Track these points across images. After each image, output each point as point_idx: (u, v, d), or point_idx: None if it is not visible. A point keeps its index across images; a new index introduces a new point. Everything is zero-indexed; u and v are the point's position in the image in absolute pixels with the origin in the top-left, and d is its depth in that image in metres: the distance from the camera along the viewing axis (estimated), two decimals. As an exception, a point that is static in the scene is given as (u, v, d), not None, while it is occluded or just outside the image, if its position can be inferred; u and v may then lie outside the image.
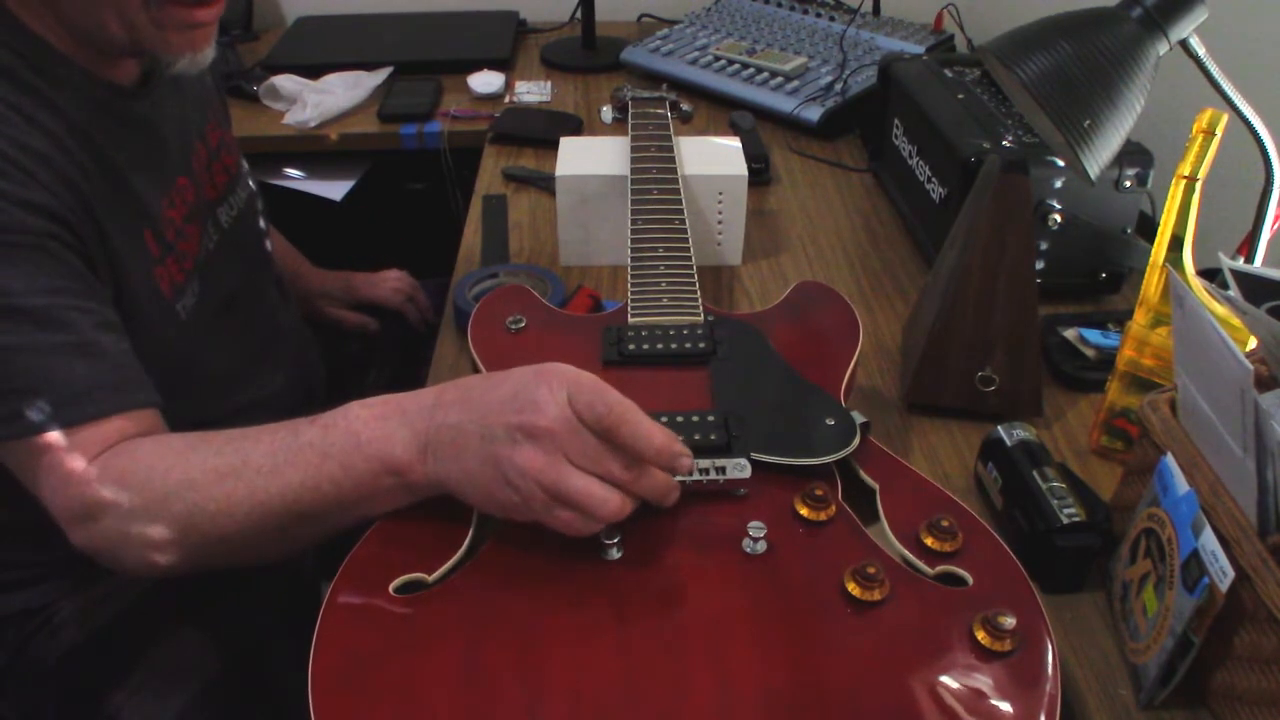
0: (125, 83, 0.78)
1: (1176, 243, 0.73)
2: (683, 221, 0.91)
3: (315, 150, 1.46)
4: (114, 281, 0.73)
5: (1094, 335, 0.92)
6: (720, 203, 1.05)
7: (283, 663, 0.90)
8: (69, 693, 0.81)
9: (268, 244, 1.02)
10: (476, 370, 0.77)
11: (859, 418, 0.69)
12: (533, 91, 1.52)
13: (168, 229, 0.80)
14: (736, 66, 1.46)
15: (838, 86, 1.39)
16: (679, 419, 0.69)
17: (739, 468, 0.63)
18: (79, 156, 0.70)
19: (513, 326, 0.80)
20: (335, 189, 1.48)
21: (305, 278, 1.23)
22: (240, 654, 0.86)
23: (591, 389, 0.57)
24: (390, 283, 1.25)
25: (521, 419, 0.57)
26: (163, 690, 0.81)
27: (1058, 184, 0.93)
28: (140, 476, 0.64)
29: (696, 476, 0.63)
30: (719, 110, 1.44)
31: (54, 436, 0.65)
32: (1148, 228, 0.98)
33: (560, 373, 0.58)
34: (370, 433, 0.61)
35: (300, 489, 0.61)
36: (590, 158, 1.06)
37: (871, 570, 0.58)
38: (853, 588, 0.58)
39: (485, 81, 1.52)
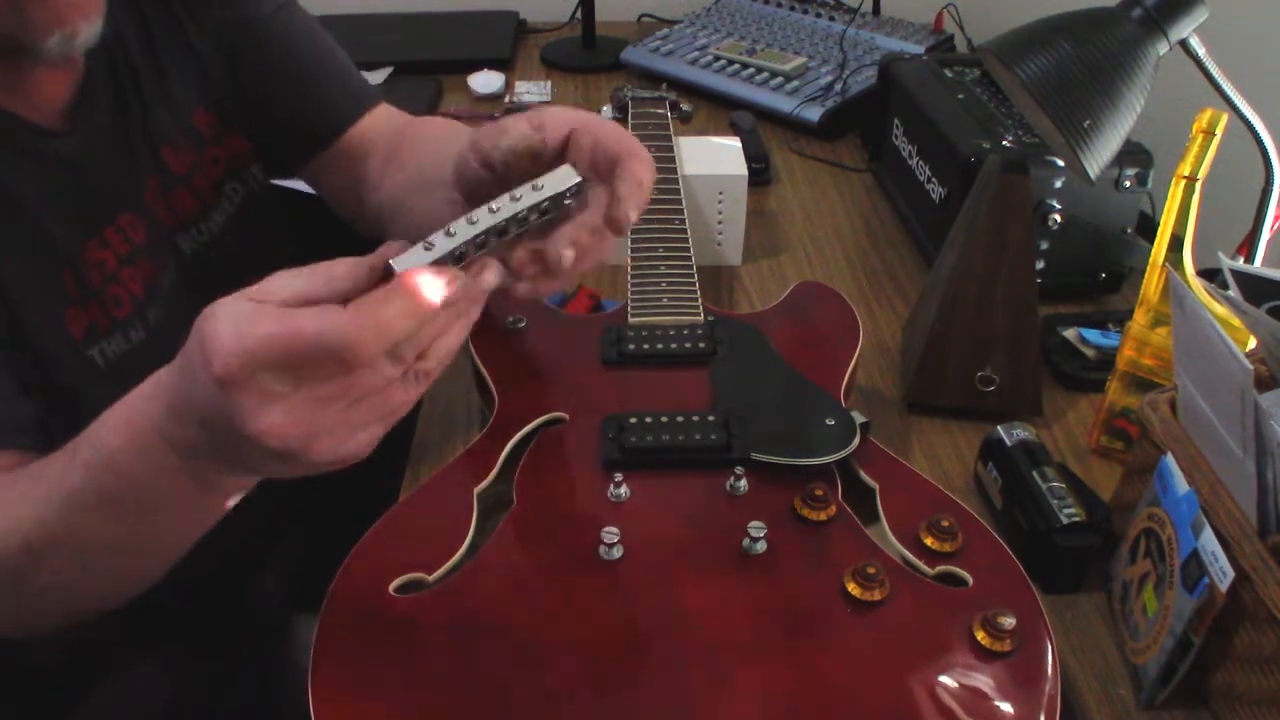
0: (42, 121, 0.70)
1: (1176, 243, 0.73)
2: (683, 221, 0.91)
3: (315, 150, 1.46)
4: (4, 314, 0.67)
5: (1094, 335, 0.92)
6: (720, 203, 1.05)
7: (245, 694, 0.90)
8: (31, 713, 0.79)
9: (253, 276, 0.96)
10: (477, 370, 0.77)
11: (859, 418, 0.69)
12: (533, 91, 1.52)
13: (93, 272, 0.72)
14: (736, 66, 1.46)
15: (838, 86, 1.39)
16: (679, 419, 0.69)
17: (558, 177, 0.52)
18: None
19: (512, 326, 0.80)
20: (335, 189, 1.48)
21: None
22: (206, 680, 0.85)
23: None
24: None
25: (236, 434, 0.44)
26: (124, 716, 0.81)
27: (1058, 184, 0.93)
28: None
29: (503, 210, 0.49)
30: (719, 110, 1.44)
31: None
32: (1148, 228, 0.98)
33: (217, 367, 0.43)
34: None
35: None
36: (590, 158, 1.06)
37: (871, 570, 0.58)
38: (853, 588, 0.58)
39: (485, 81, 1.52)
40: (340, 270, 0.45)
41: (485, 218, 0.47)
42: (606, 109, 1.40)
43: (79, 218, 0.72)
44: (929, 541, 0.62)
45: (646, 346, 0.77)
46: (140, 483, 0.49)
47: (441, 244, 0.45)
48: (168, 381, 0.47)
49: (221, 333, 0.42)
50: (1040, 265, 0.97)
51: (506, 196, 0.49)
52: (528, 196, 0.50)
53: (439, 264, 0.45)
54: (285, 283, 0.44)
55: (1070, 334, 0.93)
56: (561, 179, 0.51)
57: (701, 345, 0.77)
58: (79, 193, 0.72)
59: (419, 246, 0.45)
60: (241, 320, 0.42)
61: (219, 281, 0.87)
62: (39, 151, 0.70)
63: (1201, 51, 0.75)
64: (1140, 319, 0.76)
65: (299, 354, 0.42)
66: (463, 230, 0.46)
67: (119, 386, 0.72)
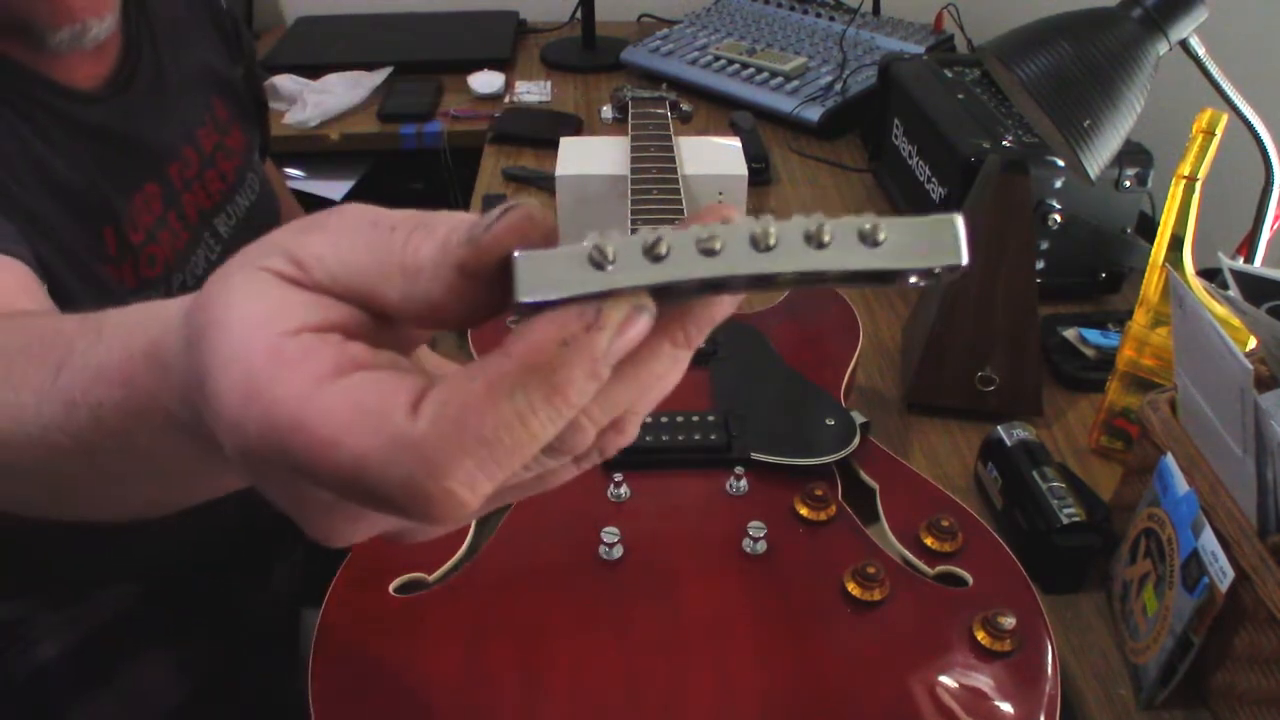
0: (85, 86, 0.73)
1: (1176, 243, 0.73)
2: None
3: (315, 150, 1.46)
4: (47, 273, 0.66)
5: (1094, 335, 0.92)
6: (720, 203, 1.04)
7: (254, 689, 0.90)
8: (38, 709, 0.80)
9: None
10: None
11: (859, 418, 0.69)
12: (533, 91, 1.52)
13: (135, 230, 0.75)
14: (736, 66, 1.46)
15: (838, 86, 1.39)
16: (679, 419, 0.69)
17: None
18: (12, 154, 0.67)
19: (512, 324, 0.80)
20: (335, 189, 1.48)
21: None
22: (213, 679, 0.85)
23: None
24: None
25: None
26: (131, 712, 0.81)
27: (1058, 184, 0.93)
28: None
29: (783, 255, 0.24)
30: (719, 110, 1.44)
31: None
32: (1148, 228, 0.98)
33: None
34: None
35: None
36: (590, 158, 1.06)
37: (871, 570, 0.58)
38: (853, 588, 0.58)
39: (485, 81, 1.52)
40: (426, 281, 0.25)
41: (738, 255, 0.24)
42: (606, 109, 1.41)
43: (112, 181, 0.74)
44: (929, 541, 0.62)
45: (646, 346, 0.76)
46: (138, 448, 0.33)
47: (627, 267, 0.24)
48: (169, 350, 0.29)
49: (222, 353, 0.25)
50: (1040, 265, 0.97)
51: (790, 232, 0.24)
52: (842, 246, 0.24)
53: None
54: (336, 269, 0.25)
55: (1070, 334, 0.93)
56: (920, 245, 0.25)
57: (701, 345, 0.77)
58: (107, 157, 0.74)
59: (577, 252, 0.24)
60: (256, 365, 0.24)
61: None
62: (71, 115, 0.72)
63: (1201, 51, 0.75)
64: (1140, 319, 0.76)
65: (334, 482, 0.24)
66: (682, 260, 0.24)
67: None
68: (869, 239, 0.24)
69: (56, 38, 0.68)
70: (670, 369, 0.27)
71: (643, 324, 0.24)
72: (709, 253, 0.24)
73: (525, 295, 0.23)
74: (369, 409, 0.23)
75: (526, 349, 0.23)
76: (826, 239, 0.24)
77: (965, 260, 0.25)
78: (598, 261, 0.23)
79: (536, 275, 0.23)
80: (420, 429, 0.23)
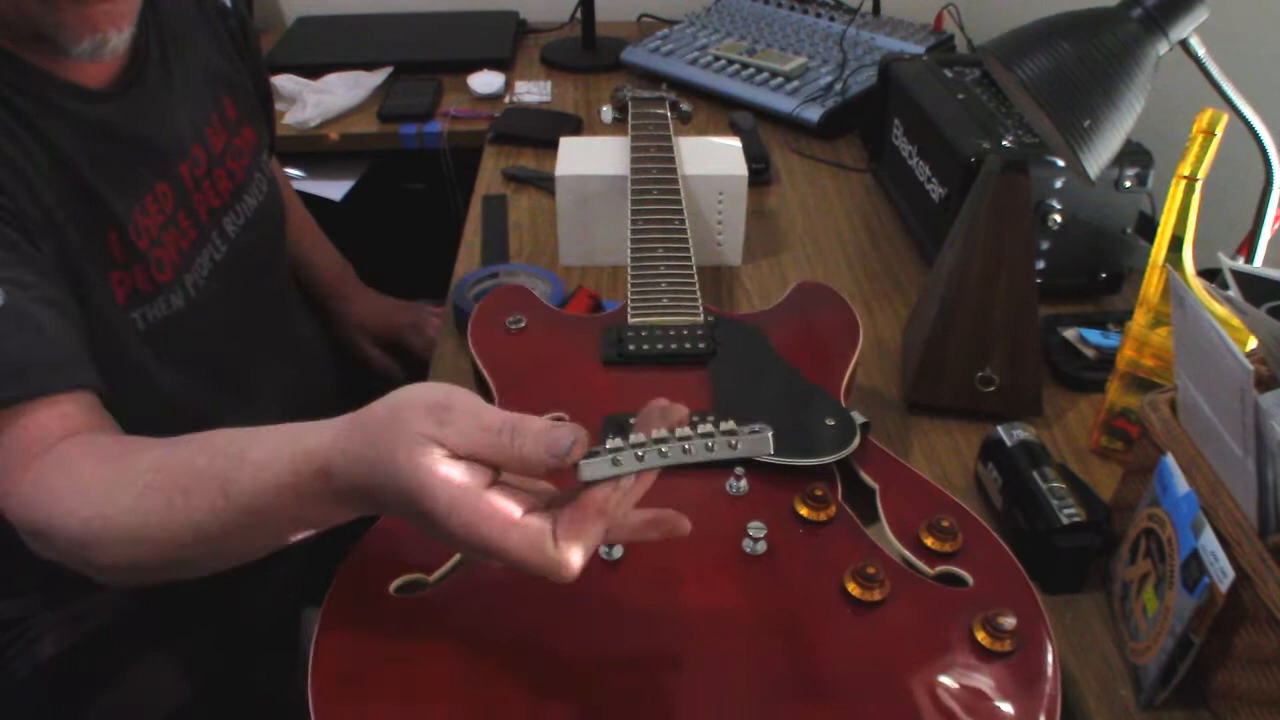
0: (92, 85, 0.74)
1: (1176, 243, 0.73)
2: (683, 221, 0.91)
3: (315, 150, 1.46)
4: (66, 270, 0.69)
5: (1094, 335, 0.92)
6: (720, 203, 1.05)
7: (258, 687, 0.90)
8: (40, 709, 0.80)
9: (284, 255, 1.01)
10: (477, 370, 0.77)
11: (859, 418, 0.69)
12: (533, 91, 1.52)
13: (139, 236, 0.76)
14: (736, 66, 1.46)
15: (838, 86, 1.39)
16: (679, 419, 0.69)
17: (755, 441, 0.48)
18: (29, 146, 0.68)
19: (512, 326, 0.80)
20: (335, 189, 1.48)
21: (349, 300, 1.19)
22: (213, 679, 0.85)
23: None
24: (431, 331, 1.17)
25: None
26: (133, 712, 0.81)
27: (1058, 184, 0.93)
28: (61, 507, 0.58)
29: (696, 453, 0.47)
30: (719, 110, 1.44)
31: None
32: (1148, 228, 0.98)
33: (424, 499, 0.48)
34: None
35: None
36: (590, 158, 1.06)
37: (871, 570, 0.58)
38: (853, 588, 0.58)
39: (485, 81, 1.52)
40: (529, 449, 0.47)
41: (676, 454, 0.47)
42: (606, 109, 1.40)
43: (124, 182, 0.75)
44: (929, 541, 0.62)
45: (646, 347, 0.77)
46: (301, 521, 0.55)
47: (628, 464, 0.47)
48: (346, 464, 0.50)
49: (441, 503, 0.46)
50: (1040, 265, 0.97)
51: (700, 440, 0.47)
52: (720, 449, 0.47)
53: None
54: (473, 455, 0.47)
55: (1070, 334, 0.93)
56: (757, 447, 0.48)
57: (701, 345, 0.77)
58: (118, 157, 0.75)
59: (606, 459, 0.47)
60: (470, 515, 0.46)
61: (255, 267, 0.92)
62: (83, 114, 0.73)
63: (1201, 51, 0.75)
64: (1140, 319, 0.76)
65: (500, 558, 0.47)
66: (651, 458, 0.47)
67: (156, 350, 0.78)
68: (732, 445, 0.48)
69: (77, 49, 0.69)
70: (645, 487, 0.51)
71: (646, 482, 0.50)
72: (661, 454, 0.47)
73: (586, 480, 0.47)
74: (535, 544, 0.46)
75: (595, 506, 0.47)
76: (712, 446, 0.48)
77: (772, 452, 0.48)
78: (617, 462, 0.47)
79: (590, 470, 0.47)
80: (561, 552, 0.46)
